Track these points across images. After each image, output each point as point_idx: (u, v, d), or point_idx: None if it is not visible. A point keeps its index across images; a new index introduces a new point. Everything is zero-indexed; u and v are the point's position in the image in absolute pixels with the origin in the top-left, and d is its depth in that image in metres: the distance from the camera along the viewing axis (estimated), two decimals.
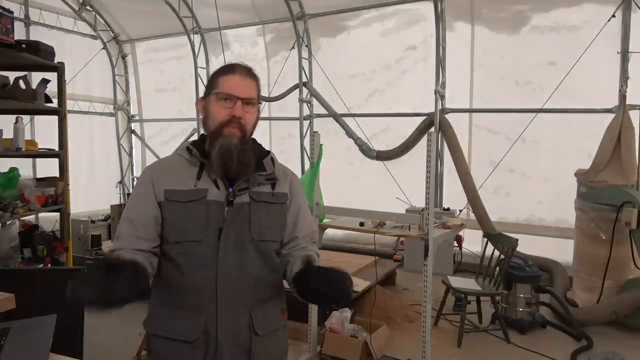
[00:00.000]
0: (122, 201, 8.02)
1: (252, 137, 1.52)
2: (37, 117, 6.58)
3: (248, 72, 1.44)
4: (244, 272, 1.39)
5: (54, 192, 3.63)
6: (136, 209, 1.41)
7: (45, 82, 3.50)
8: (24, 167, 3.94)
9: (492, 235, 4.61)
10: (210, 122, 1.41)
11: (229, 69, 1.43)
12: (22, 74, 3.37)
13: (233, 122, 1.38)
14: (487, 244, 4.42)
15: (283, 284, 1.53)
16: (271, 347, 1.47)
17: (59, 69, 3.68)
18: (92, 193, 8.00)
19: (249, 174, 1.42)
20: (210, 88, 1.43)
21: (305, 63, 7.20)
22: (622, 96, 5.07)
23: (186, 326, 1.38)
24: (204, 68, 8.07)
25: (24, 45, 3.20)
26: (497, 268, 4.19)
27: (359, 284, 4.32)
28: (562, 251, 5.43)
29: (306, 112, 7.32)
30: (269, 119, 7.75)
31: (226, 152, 1.36)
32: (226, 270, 1.37)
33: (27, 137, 4.81)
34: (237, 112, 1.38)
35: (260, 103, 1.47)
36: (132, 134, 9.28)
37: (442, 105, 6.30)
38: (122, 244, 1.36)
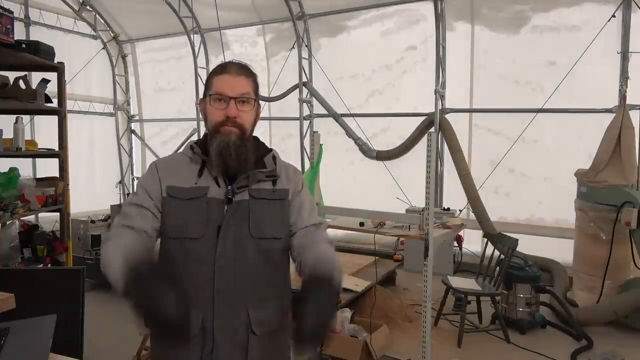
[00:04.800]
0: (122, 201, 8.01)
1: (254, 135, 1.51)
2: (37, 117, 6.58)
3: (241, 70, 1.42)
4: (242, 270, 1.38)
5: (54, 192, 3.62)
6: (144, 196, 1.41)
7: (45, 82, 3.50)
8: (24, 167, 3.94)
9: (492, 235, 4.61)
10: (209, 124, 1.42)
11: (221, 69, 1.42)
12: (22, 74, 3.37)
13: (228, 121, 1.37)
14: (487, 244, 4.42)
15: (288, 284, 1.51)
16: (271, 348, 1.44)
17: (59, 69, 3.68)
18: (92, 193, 7.99)
19: (247, 170, 1.41)
20: (206, 89, 1.43)
21: (305, 63, 7.20)
22: (622, 96, 5.08)
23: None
24: (204, 68, 8.07)
25: (24, 45, 3.20)
26: (497, 268, 4.19)
27: (359, 284, 4.32)
28: (562, 251, 5.43)
29: (306, 112, 7.32)
30: (269, 119, 7.76)
31: (224, 149, 1.36)
32: (224, 267, 1.36)
33: (27, 137, 4.82)
34: (230, 112, 1.37)
35: (257, 100, 1.44)
36: (132, 134, 9.28)
37: (442, 105, 6.30)
38: (129, 222, 1.36)
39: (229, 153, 1.36)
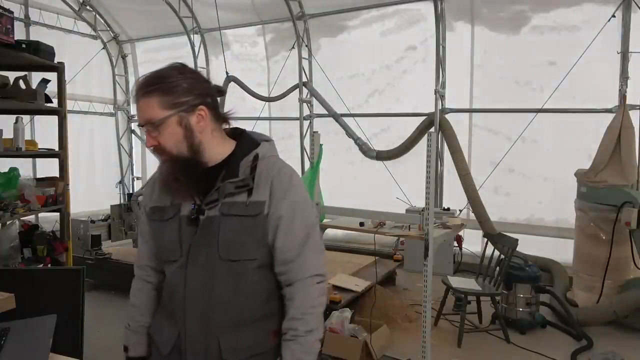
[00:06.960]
0: (122, 201, 8.00)
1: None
2: (37, 117, 6.57)
3: (139, 91, 1.26)
4: (211, 294, 1.29)
5: (54, 192, 3.62)
6: (144, 218, 1.47)
7: (45, 82, 3.50)
8: (24, 167, 3.94)
9: (492, 235, 4.60)
10: None
11: None
12: (22, 74, 3.37)
13: (154, 151, 1.30)
14: (487, 244, 4.42)
15: (270, 304, 1.36)
16: None
17: (59, 69, 3.67)
18: (92, 193, 7.99)
19: (201, 187, 1.30)
20: None
21: (305, 63, 7.19)
22: (622, 96, 5.08)
23: (164, 338, 1.39)
24: (204, 68, 8.06)
25: (24, 45, 3.20)
26: (497, 268, 4.19)
27: (359, 284, 4.33)
28: (562, 251, 5.43)
29: (306, 112, 7.32)
30: (269, 119, 7.76)
31: (165, 183, 1.33)
32: (193, 290, 1.30)
33: (27, 137, 4.81)
34: (147, 144, 1.28)
35: (177, 113, 1.24)
36: (132, 134, 9.28)
37: (442, 105, 6.30)
38: (139, 260, 1.50)
39: (171, 184, 1.32)
